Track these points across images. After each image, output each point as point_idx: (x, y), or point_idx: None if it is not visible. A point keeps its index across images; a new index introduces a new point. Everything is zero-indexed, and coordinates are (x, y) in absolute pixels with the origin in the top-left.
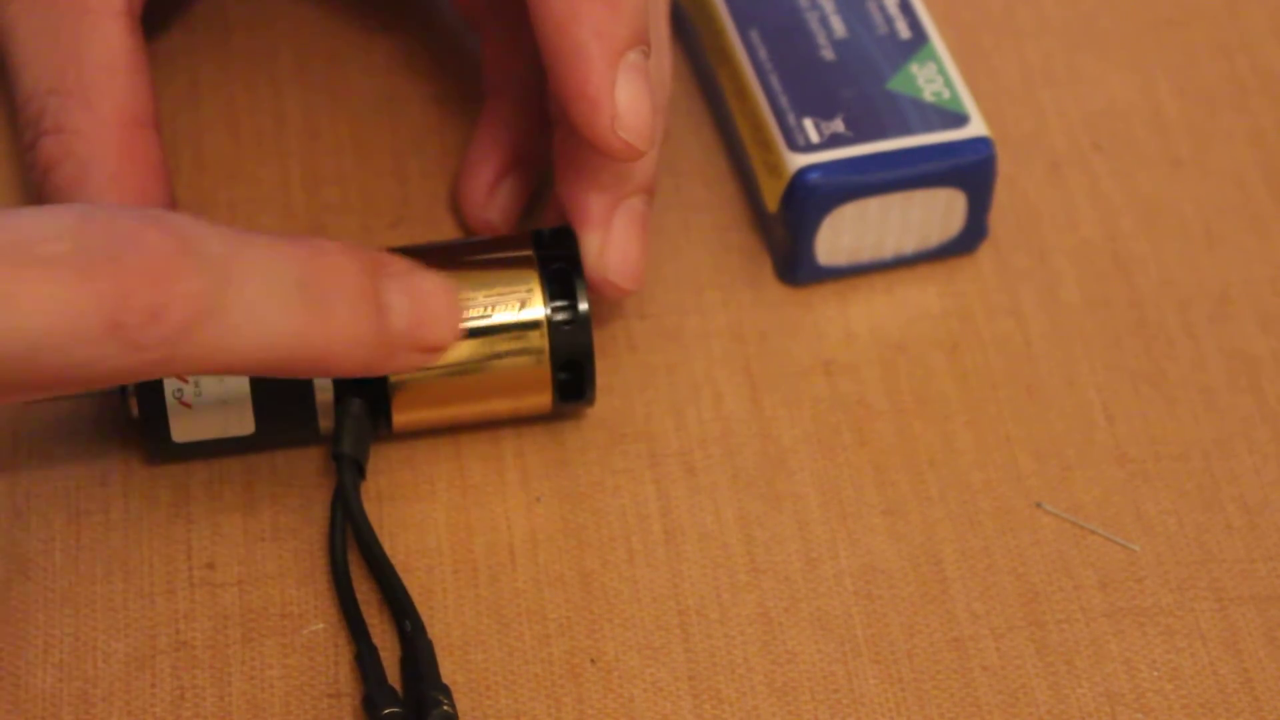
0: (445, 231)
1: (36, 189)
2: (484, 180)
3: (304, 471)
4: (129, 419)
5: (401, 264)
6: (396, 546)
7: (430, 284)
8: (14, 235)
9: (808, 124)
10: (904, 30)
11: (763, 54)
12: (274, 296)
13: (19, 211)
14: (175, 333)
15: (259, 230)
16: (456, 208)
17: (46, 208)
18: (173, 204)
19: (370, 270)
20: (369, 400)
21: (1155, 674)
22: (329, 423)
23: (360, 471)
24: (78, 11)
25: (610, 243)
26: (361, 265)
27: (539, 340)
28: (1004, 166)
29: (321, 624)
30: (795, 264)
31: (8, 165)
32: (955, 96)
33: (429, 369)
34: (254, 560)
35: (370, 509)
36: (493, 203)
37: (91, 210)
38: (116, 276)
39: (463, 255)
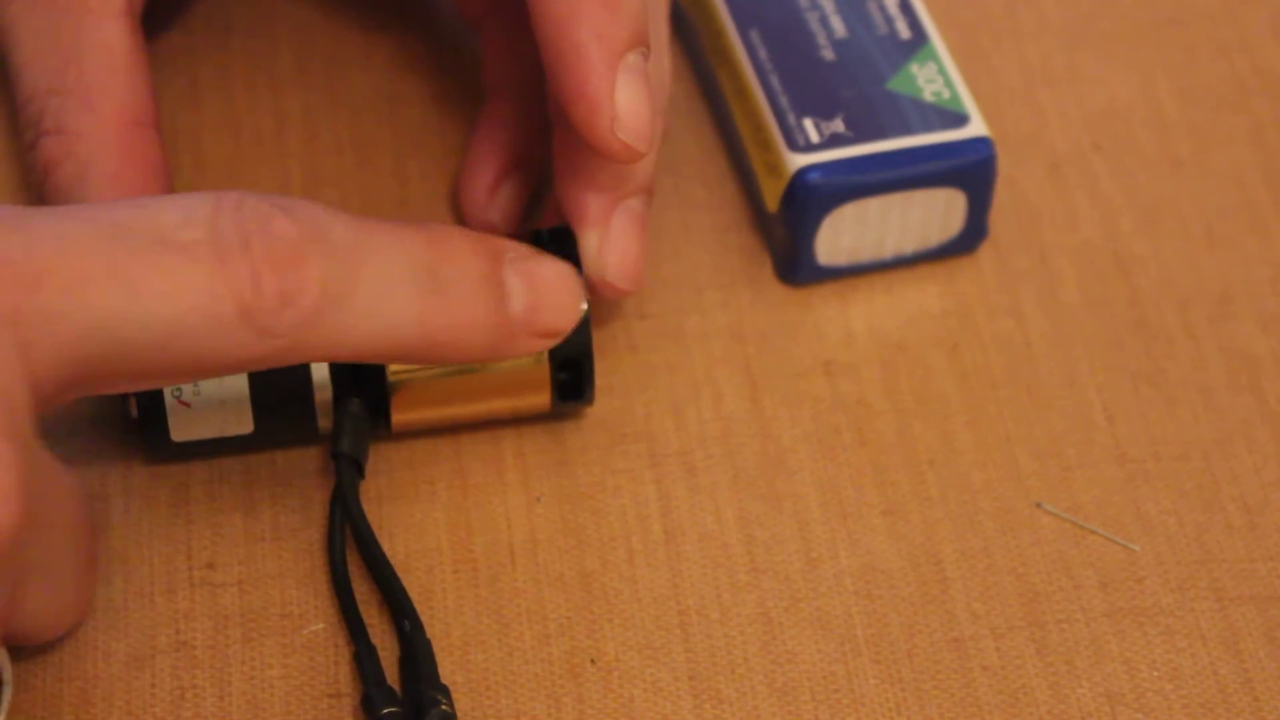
0: None
1: (36, 189)
2: (485, 181)
3: (304, 471)
4: (128, 418)
5: (521, 249)
6: (396, 546)
7: (549, 269)
8: (150, 222)
9: (808, 124)
10: (904, 30)
11: (763, 54)
12: (399, 282)
13: (154, 199)
14: (305, 318)
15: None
16: (457, 208)
17: (180, 195)
18: None
19: (491, 255)
20: (368, 400)
21: (1155, 674)
22: (328, 422)
23: (359, 471)
24: (78, 12)
25: (609, 243)
26: (482, 250)
27: None
28: (1004, 166)
29: (321, 624)
30: (795, 264)
31: (7, 165)
32: (955, 96)
33: (428, 369)
34: (254, 560)
35: (370, 509)
36: (494, 203)
37: (222, 196)
38: (248, 262)
39: None
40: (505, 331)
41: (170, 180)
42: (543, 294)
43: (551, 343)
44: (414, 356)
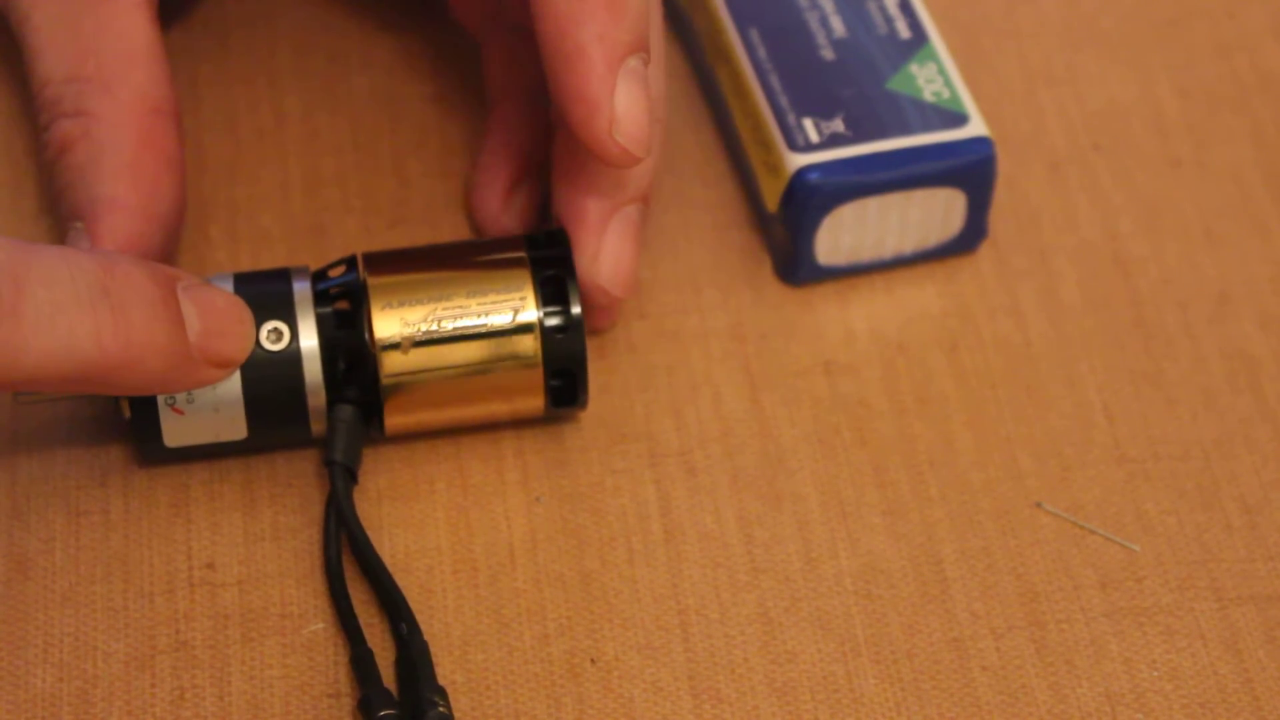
0: (445, 232)
1: (48, 169)
2: (499, 190)
3: (303, 472)
4: (123, 421)
5: (193, 278)
6: (396, 546)
7: (221, 298)
8: None
9: (807, 124)
10: (904, 30)
11: (763, 54)
12: (69, 300)
13: None
14: None
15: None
16: (464, 212)
17: None
18: (183, 198)
19: (164, 280)
20: (361, 405)
21: (1155, 674)
22: (321, 426)
23: (353, 478)
24: (98, 0)
25: (604, 250)
26: (155, 274)
27: (532, 346)
28: (1004, 166)
29: (321, 624)
30: (795, 264)
31: (7, 164)
32: (955, 96)
33: (424, 372)
34: (253, 560)
35: (369, 509)
36: (509, 211)
37: None
38: None
39: (458, 258)
40: (184, 358)
41: (184, 174)
42: (217, 321)
43: (226, 374)
44: (92, 379)
